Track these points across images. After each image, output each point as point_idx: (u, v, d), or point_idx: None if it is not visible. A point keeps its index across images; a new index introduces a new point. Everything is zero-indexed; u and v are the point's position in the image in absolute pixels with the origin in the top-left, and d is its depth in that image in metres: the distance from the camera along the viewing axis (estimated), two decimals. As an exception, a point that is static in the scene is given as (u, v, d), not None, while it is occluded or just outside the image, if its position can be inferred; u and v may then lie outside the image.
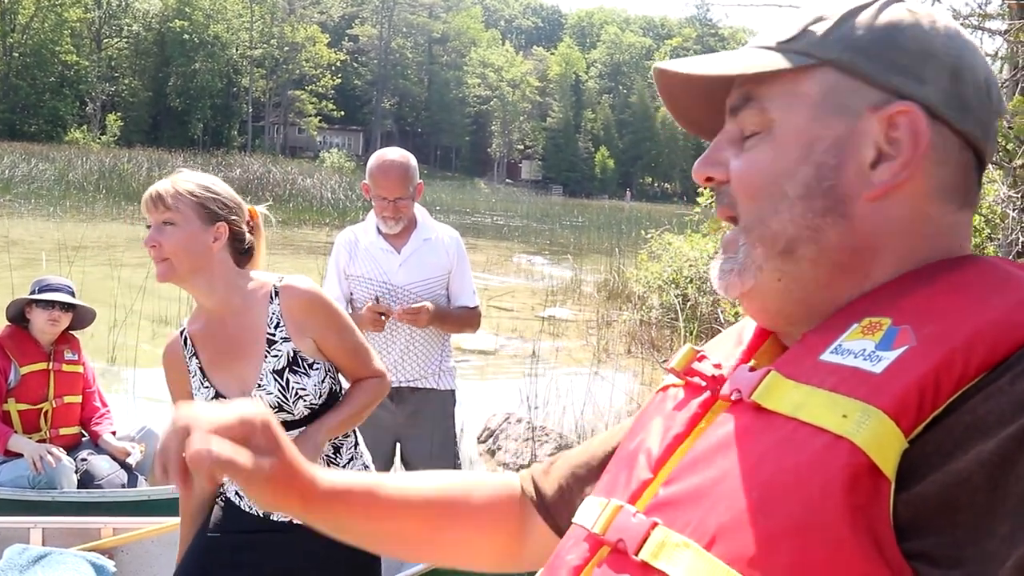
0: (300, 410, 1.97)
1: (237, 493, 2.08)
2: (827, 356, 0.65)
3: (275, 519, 2.04)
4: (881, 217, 0.69)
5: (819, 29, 0.72)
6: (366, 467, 2.17)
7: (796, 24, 0.73)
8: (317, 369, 1.99)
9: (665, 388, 0.83)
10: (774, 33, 0.75)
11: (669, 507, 0.66)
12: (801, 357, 0.67)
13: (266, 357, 1.96)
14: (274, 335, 1.97)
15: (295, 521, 1.99)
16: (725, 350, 0.81)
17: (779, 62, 0.71)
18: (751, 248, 0.73)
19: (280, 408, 1.95)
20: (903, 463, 0.56)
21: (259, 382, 1.95)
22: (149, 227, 1.94)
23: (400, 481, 0.97)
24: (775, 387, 0.66)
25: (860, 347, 0.63)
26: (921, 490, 0.56)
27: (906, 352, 0.60)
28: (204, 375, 2.00)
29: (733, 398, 0.70)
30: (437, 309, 3.16)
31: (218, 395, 1.97)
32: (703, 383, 0.77)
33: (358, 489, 0.92)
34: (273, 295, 1.98)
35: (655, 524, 0.66)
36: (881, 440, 0.57)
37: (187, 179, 1.96)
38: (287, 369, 1.96)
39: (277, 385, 1.94)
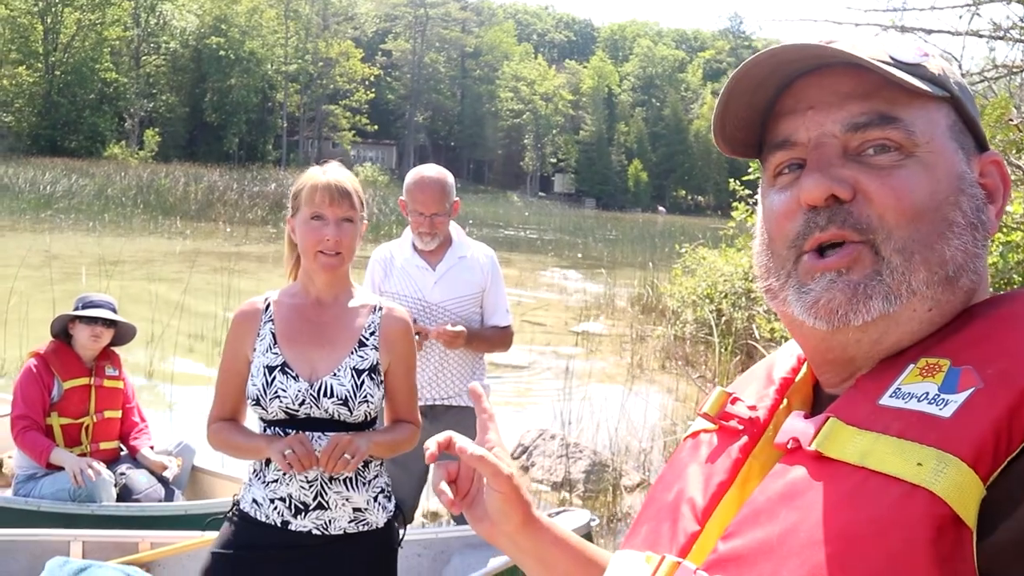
0: (358, 414, 2.05)
1: (255, 501, 2.08)
2: (887, 400, 0.63)
3: (292, 529, 2.04)
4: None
5: (934, 64, 0.72)
6: (388, 485, 2.20)
7: (910, 51, 0.72)
8: (382, 388, 2.11)
9: (695, 434, 0.81)
10: (885, 48, 0.71)
11: (733, 563, 0.64)
12: (859, 402, 0.65)
13: (351, 354, 2.09)
14: (367, 340, 2.12)
15: (313, 531, 2.00)
16: (756, 390, 0.80)
17: (921, 84, 0.69)
18: (911, 271, 0.67)
19: (344, 403, 2.03)
20: (980, 510, 0.55)
21: (335, 372, 2.05)
22: (318, 218, 2.04)
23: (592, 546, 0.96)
24: (837, 434, 0.63)
25: (922, 390, 0.62)
26: (997, 538, 0.54)
27: (974, 395, 0.59)
28: (275, 342, 2.07)
29: (789, 446, 0.67)
30: (470, 331, 3.17)
31: (285, 365, 2.04)
32: (740, 427, 0.75)
33: (565, 534, 0.92)
34: (376, 308, 2.17)
35: None
36: (961, 489, 0.55)
37: (352, 178, 2.13)
38: (366, 373, 2.08)
39: (352, 382, 2.05)
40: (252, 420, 2.18)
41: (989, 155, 0.73)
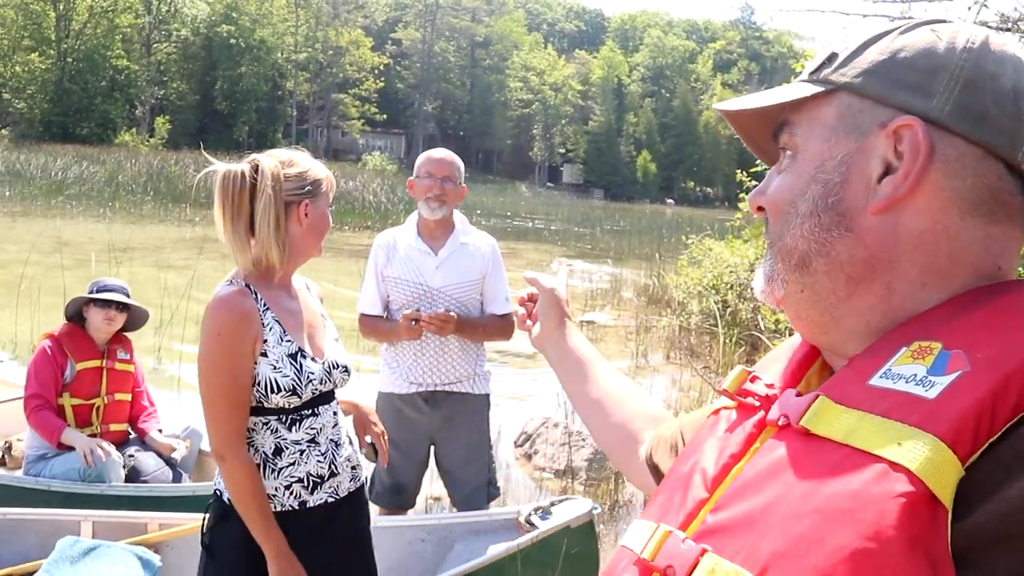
0: (351, 377, 2.21)
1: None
2: (876, 381, 0.65)
3: (310, 506, 2.07)
4: (891, 230, 0.70)
5: (840, 57, 0.76)
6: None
7: (822, 55, 0.78)
8: None
9: (717, 411, 0.83)
10: (809, 66, 0.80)
11: (718, 534, 0.66)
12: (849, 381, 0.67)
13: (326, 328, 2.22)
14: (325, 314, 2.26)
15: (328, 500, 2.06)
16: (776, 370, 0.82)
17: (802, 91, 0.76)
18: (774, 262, 0.78)
19: (346, 370, 2.17)
20: (958, 491, 0.56)
21: (330, 346, 2.17)
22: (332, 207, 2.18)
23: (609, 380, 1.25)
24: (824, 412, 0.65)
25: (911, 372, 0.63)
26: (976, 519, 0.55)
27: (960, 378, 0.60)
28: (284, 330, 2.03)
29: (780, 423, 0.69)
30: (463, 320, 3.20)
31: (301, 350, 2.06)
32: (757, 403, 0.77)
33: (584, 357, 1.26)
34: (308, 286, 2.28)
35: (704, 551, 0.66)
36: (939, 468, 0.56)
37: None
38: (339, 341, 2.24)
39: (343, 351, 2.21)
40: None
41: (898, 120, 0.70)
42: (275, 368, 1.98)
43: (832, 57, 0.77)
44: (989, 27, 5.51)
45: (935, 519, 0.55)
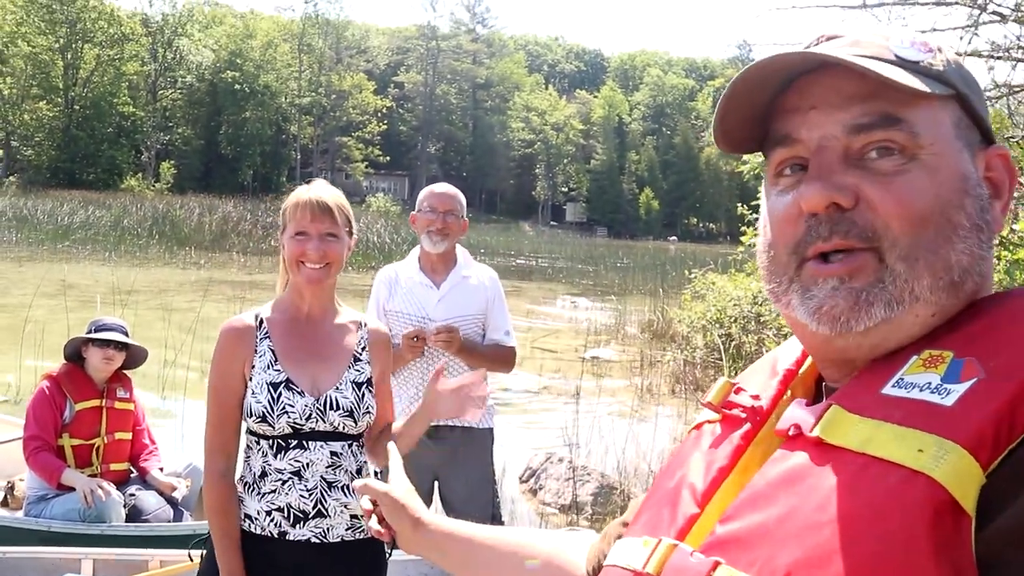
0: (362, 425, 2.12)
1: (247, 516, 2.08)
2: (889, 390, 0.63)
3: (291, 539, 2.05)
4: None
5: (941, 60, 0.71)
6: None
7: (916, 47, 0.71)
8: (375, 400, 2.17)
9: (699, 425, 0.81)
10: (890, 45, 0.71)
11: (730, 546, 0.64)
12: (861, 391, 0.66)
13: (349, 368, 2.15)
14: (360, 355, 2.19)
15: (312, 540, 2.03)
16: (760, 381, 0.80)
17: (923, 85, 0.68)
18: (915, 278, 0.67)
19: (350, 415, 2.09)
20: (980, 499, 0.55)
21: (338, 385, 2.10)
22: (302, 234, 2.07)
23: (494, 533, 1.08)
24: (839, 421, 0.64)
25: (925, 380, 0.62)
26: (998, 525, 0.54)
27: (976, 385, 0.59)
28: (276, 359, 2.09)
29: (791, 433, 0.67)
30: (467, 341, 3.20)
31: (289, 381, 2.07)
32: (743, 415, 0.76)
33: (460, 534, 1.08)
34: (362, 324, 2.25)
35: (717, 564, 0.64)
36: (961, 475, 0.55)
37: (336, 194, 2.14)
38: (364, 386, 2.16)
39: (355, 394, 2.13)
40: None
41: (995, 149, 0.72)
42: (253, 393, 2.06)
43: (932, 56, 0.71)
44: (981, 55, 5.58)
45: (959, 527, 0.54)
